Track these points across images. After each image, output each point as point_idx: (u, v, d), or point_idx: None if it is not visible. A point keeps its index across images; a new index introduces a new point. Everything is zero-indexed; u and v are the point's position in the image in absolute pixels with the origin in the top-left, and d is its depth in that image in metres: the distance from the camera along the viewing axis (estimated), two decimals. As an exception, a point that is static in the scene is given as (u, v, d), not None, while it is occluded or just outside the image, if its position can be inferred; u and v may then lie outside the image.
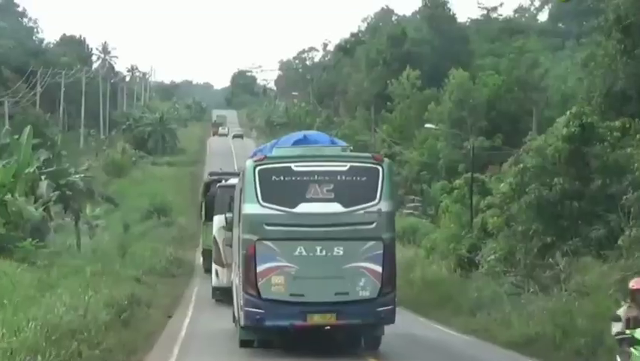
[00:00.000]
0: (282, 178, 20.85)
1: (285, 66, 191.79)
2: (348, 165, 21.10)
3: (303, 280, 20.58)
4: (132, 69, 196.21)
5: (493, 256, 34.05)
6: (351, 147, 24.39)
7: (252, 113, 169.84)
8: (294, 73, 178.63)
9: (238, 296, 22.16)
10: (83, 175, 54.52)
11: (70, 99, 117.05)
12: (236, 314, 23.49)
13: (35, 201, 42.06)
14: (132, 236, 58.96)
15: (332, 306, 20.72)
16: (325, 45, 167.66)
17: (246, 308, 20.86)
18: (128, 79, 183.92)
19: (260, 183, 20.80)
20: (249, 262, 20.74)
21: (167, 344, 23.81)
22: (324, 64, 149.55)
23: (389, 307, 20.96)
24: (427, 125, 67.89)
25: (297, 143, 22.87)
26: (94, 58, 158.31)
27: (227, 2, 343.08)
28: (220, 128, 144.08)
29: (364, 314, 20.74)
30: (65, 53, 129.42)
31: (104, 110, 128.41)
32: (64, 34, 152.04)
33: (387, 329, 22.04)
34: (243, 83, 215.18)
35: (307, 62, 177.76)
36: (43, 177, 45.69)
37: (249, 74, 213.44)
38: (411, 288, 39.20)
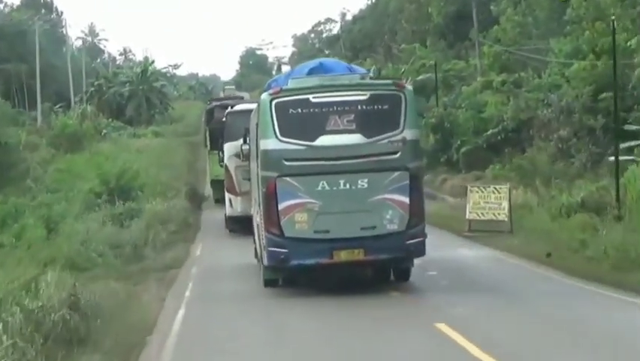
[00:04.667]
0: (299, 111, 19.87)
1: (299, 41, 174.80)
2: (369, 93, 20.07)
3: (328, 215, 19.69)
4: (125, 52, 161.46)
5: None
6: (371, 74, 23.39)
7: None
8: (311, 47, 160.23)
9: (260, 236, 21.33)
10: None
11: (32, 72, 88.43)
12: (258, 253, 22.70)
13: None
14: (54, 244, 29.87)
15: (359, 241, 19.82)
16: (344, 15, 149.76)
17: (269, 248, 20.05)
18: (121, 62, 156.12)
19: (277, 118, 19.86)
20: (270, 200, 19.89)
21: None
22: (356, 16, 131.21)
23: (418, 239, 20.07)
24: None
25: (312, 71, 21.80)
26: (75, 38, 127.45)
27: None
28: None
29: (393, 248, 19.86)
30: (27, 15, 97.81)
31: (74, 82, 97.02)
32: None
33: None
34: (254, 62, 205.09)
35: (324, 35, 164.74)
36: None
37: (259, 52, 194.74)
38: None
